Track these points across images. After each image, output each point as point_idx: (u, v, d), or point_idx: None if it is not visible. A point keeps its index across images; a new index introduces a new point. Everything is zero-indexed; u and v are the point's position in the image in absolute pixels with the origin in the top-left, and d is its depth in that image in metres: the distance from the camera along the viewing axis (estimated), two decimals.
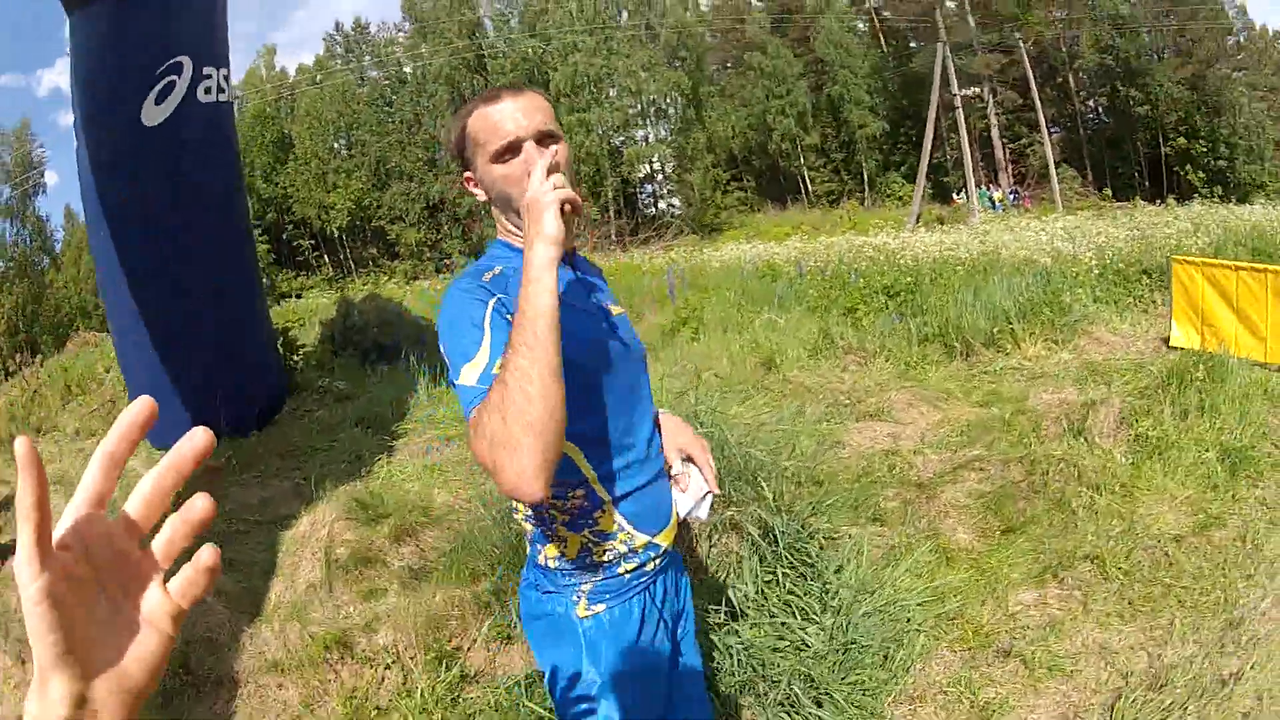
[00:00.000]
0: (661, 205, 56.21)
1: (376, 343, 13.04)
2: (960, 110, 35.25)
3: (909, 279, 13.84)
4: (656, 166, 55.65)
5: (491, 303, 2.01)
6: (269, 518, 6.47)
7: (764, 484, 5.37)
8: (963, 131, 35.39)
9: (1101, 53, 47.19)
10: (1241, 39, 49.38)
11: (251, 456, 8.17)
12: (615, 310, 2.43)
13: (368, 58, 57.75)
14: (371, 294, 19.31)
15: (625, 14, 52.66)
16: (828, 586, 4.79)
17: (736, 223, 51.94)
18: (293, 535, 5.95)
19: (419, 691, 4.17)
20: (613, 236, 43.98)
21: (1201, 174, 45.05)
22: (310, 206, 51.66)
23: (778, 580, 4.73)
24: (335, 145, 53.57)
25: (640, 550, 2.27)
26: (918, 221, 33.69)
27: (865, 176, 54.92)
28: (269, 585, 5.35)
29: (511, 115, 2.17)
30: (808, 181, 56.79)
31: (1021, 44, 47.03)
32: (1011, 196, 48.18)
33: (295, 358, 11.65)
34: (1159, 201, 29.95)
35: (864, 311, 12.82)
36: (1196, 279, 9.55)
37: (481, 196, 2.32)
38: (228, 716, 4.19)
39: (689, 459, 2.44)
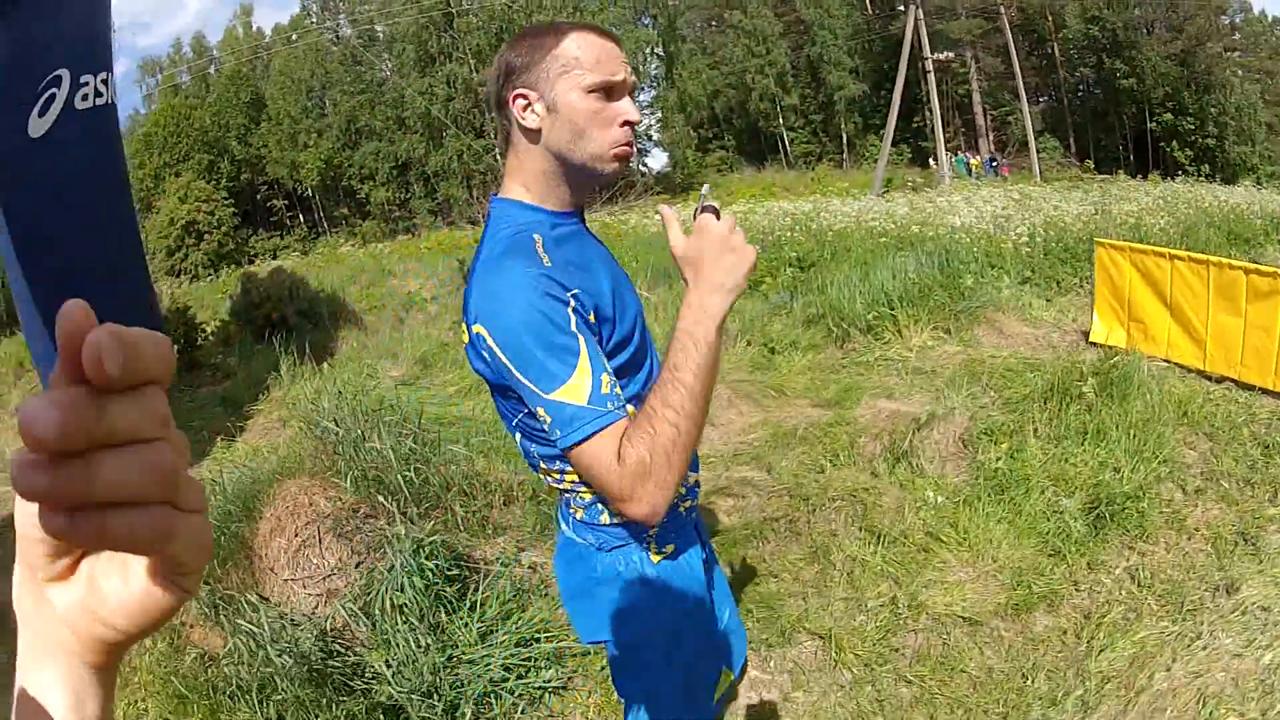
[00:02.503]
0: (632, 164, 54.91)
1: (268, 318, 13.29)
2: (932, 75, 33.68)
3: (819, 251, 12.41)
4: None
5: (571, 303, 1.86)
6: None
7: (457, 498, 4.97)
8: (933, 97, 33.95)
9: (1088, 23, 46.05)
10: (1238, 20, 48.81)
11: None
12: None
13: (342, 16, 57.37)
14: (276, 268, 19.03)
15: None
16: (464, 621, 4.07)
17: (711, 181, 50.35)
18: None
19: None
20: None
21: (1189, 151, 44.39)
22: (282, 166, 52.26)
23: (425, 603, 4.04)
24: (308, 105, 53.80)
25: (691, 487, 2.31)
26: (887, 187, 31.96)
27: (844, 139, 54.62)
28: None
29: (622, 60, 2.02)
30: (786, 143, 56.40)
31: (1003, 9, 45.70)
32: (989, 164, 46.98)
33: (196, 335, 12.46)
34: (1142, 176, 28.83)
35: (770, 286, 11.43)
36: (1123, 266, 8.12)
37: (534, 122, 2.00)
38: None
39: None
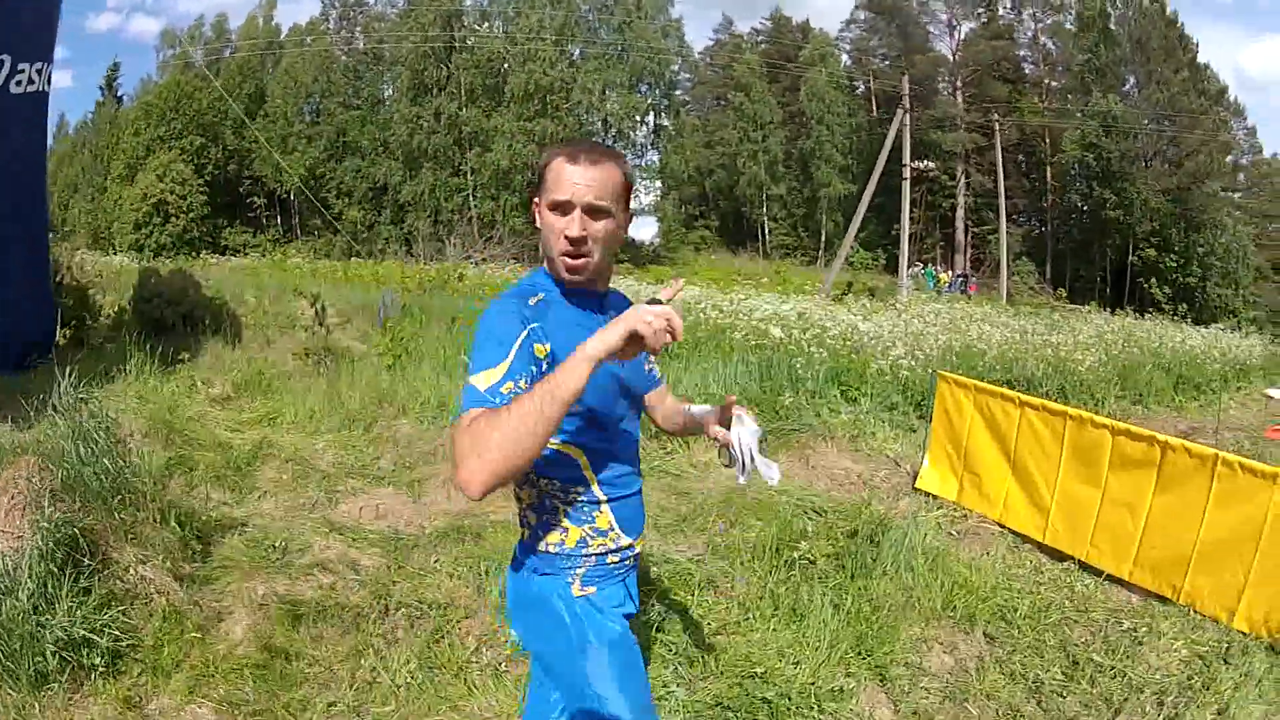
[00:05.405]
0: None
1: (153, 316, 13.72)
2: (907, 183, 33.06)
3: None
4: None
5: (527, 329, 2.35)
6: None
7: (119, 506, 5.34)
8: (904, 205, 33.27)
9: (1085, 149, 45.65)
10: (1245, 160, 49.26)
11: None
12: None
13: (357, 29, 58.23)
14: (179, 268, 19.76)
15: (604, 31, 51.88)
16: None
17: (680, 260, 50.99)
18: None
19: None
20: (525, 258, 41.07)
21: (1167, 289, 44.25)
22: (268, 165, 52.26)
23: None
24: (303, 109, 54.82)
25: (624, 549, 2.65)
26: (848, 291, 30.96)
27: (823, 236, 54.37)
28: None
29: (574, 179, 2.44)
30: (766, 233, 56.75)
31: (999, 127, 45.30)
32: (958, 280, 46.70)
33: (86, 315, 12.96)
34: (1115, 311, 28.02)
35: None
36: (964, 406, 7.01)
37: (538, 223, 2.56)
38: None
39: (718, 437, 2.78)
